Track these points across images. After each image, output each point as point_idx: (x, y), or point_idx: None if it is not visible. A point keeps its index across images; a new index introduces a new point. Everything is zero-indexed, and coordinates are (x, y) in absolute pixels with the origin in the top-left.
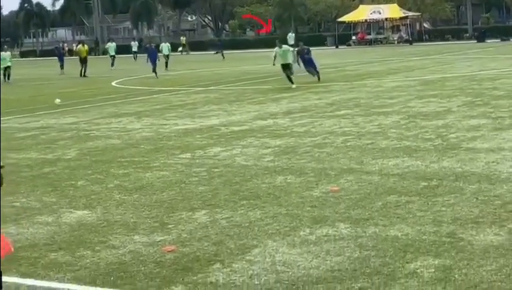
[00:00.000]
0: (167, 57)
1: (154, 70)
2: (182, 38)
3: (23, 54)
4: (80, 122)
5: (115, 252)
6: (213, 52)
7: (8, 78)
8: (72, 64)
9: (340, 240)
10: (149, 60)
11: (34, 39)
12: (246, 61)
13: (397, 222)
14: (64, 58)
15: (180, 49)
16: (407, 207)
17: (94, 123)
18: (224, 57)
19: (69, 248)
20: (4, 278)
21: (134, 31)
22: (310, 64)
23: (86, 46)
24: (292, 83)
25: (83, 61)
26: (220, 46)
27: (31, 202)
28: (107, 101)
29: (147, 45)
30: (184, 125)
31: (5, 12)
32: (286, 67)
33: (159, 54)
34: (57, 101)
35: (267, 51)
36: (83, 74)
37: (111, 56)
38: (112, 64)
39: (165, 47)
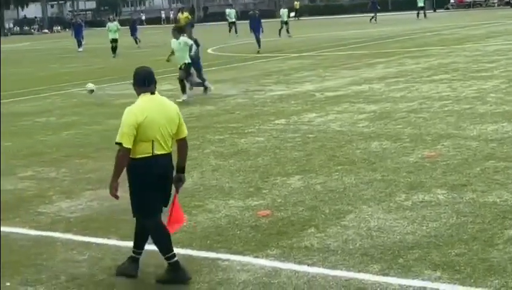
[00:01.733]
0: (286, 23)
1: (257, 40)
2: (295, 3)
3: (122, 23)
4: (175, 89)
5: (211, 216)
6: (371, 15)
7: (114, 52)
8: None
9: (437, 205)
10: (251, 29)
11: (132, 7)
12: (341, 26)
13: (496, 188)
14: (139, 27)
15: (292, 14)
16: (507, 173)
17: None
18: (376, 21)
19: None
20: (105, 241)
21: None
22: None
23: (185, 13)
24: (184, 92)
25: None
26: (374, 7)
27: None
28: (203, 68)
29: (250, 12)
30: (279, 92)
31: None
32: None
33: (278, 20)
34: (89, 86)
35: (361, 16)
36: None
37: (231, 23)
38: (235, 31)
39: (284, 13)
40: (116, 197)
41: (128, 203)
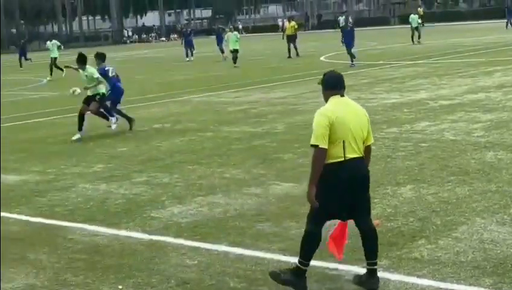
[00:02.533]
0: (417, 29)
1: (349, 52)
2: (419, 9)
3: (236, 31)
4: (288, 97)
5: None
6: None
7: (235, 62)
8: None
9: None
10: (343, 40)
11: (247, 15)
12: (458, 33)
13: None
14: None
15: (419, 21)
16: None
17: (302, 98)
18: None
19: (276, 219)
20: (214, 247)
21: (344, 5)
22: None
23: (292, 22)
24: (79, 129)
25: (289, 39)
26: (509, 13)
27: (240, 173)
28: (315, 76)
29: (343, 24)
30: (391, 100)
31: None
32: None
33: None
34: (73, 91)
35: (479, 22)
36: (293, 53)
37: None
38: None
39: (414, 19)
40: (316, 204)
41: (238, 210)
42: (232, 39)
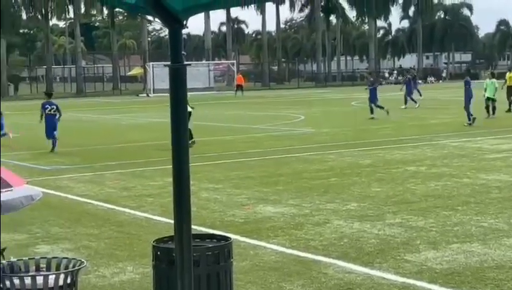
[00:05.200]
0: None
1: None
2: None
3: (495, 76)
4: None
5: None
6: None
7: (493, 113)
8: None
9: None
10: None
11: (508, 61)
12: None
13: None
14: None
15: None
16: None
17: None
18: None
19: None
20: None
21: None
22: None
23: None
24: None
25: (509, 91)
26: None
27: (498, 223)
28: None
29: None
30: None
31: (481, 34)
32: None
33: None
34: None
35: None
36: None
37: None
38: None
39: None
40: None
41: (496, 261)
42: (489, 86)
